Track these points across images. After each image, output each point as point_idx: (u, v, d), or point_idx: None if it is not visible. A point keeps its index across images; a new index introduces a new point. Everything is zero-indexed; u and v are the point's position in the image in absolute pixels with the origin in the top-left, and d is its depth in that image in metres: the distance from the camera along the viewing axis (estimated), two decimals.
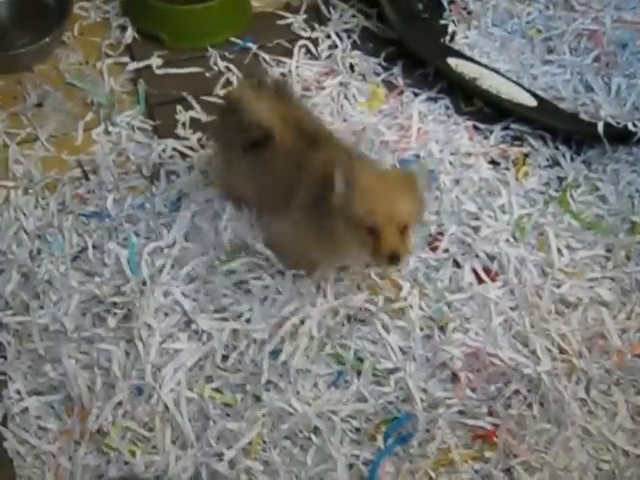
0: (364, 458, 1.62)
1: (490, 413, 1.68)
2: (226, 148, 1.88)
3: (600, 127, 2.06)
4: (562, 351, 1.76)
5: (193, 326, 1.75)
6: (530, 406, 1.68)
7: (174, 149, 2.08)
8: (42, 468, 1.63)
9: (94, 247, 1.90)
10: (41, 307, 1.81)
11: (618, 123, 2.12)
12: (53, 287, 1.84)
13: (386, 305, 1.80)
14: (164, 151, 2.07)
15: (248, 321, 1.76)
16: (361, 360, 1.73)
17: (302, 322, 1.75)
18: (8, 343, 1.78)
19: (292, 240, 1.76)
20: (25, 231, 1.94)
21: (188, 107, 2.17)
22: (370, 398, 1.68)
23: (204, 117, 2.14)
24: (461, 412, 1.68)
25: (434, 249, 1.90)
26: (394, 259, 1.55)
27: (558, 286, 1.85)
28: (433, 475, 1.61)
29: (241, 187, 1.88)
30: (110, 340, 1.75)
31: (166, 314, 1.77)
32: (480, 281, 1.85)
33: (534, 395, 1.69)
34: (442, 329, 1.78)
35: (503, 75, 2.22)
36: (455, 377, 1.72)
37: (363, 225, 1.55)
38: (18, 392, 1.72)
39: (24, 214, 1.97)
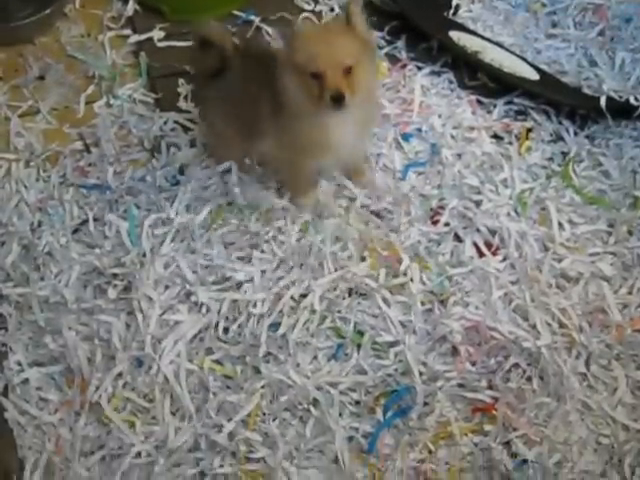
0: (363, 430, 1.62)
1: (490, 386, 1.67)
2: (204, 102, 1.96)
3: (603, 101, 2.03)
4: (562, 325, 1.74)
5: (193, 298, 1.75)
6: (530, 380, 1.67)
7: (175, 122, 2.07)
8: (42, 438, 1.63)
9: (95, 220, 1.89)
10: (42, 279, 1.81)
11: (621, 97, 2.09)
12: (54, 259, 1.83)
13: (387, 279, 1.79)
14: (165, 124, 2.06)
15: (248, 293, 1.75)
16: (361, 333, 1.72)
17: (302, 295, 1.75)
18: (9, 315, 1.78)
19: (279, 153, 1.78)
20: (26, 203, 1.93)
21: (190, 80, 2.15)
22: (370, 371, 1.68)
23: None
24: (460, 385, 1.67)
25: (435, 223, 1.88)
26: (337, 100, 1.56)
27: (559, 260, 1.83)
28: (432, 448, 1.60)
29: (226, 135, 1.87)
30: (110, 312, 1.75)
31: (166, 286, 1.77)
32: (481, 255, 1.84)
33: (534, 369, 1.68)
34: (442, 303, 1.77)
35: (506, 49, 2.19)
36: (455, 350, 1.71)
37: (307, 72, 1.58)
38: (19, 363, 1.72)
39: (25, 187, 1.97)
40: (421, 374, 1.66)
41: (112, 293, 1.77)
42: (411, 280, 1.78)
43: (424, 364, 1.68)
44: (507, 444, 1.61)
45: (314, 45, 1.58)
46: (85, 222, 1.90)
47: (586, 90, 2.15)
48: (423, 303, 1.76)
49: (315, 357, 1.70)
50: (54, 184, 1.96)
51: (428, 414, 1.64)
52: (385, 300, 1.75)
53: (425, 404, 1.64)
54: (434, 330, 1.73)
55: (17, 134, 2.07)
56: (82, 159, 2.02)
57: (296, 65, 1.59)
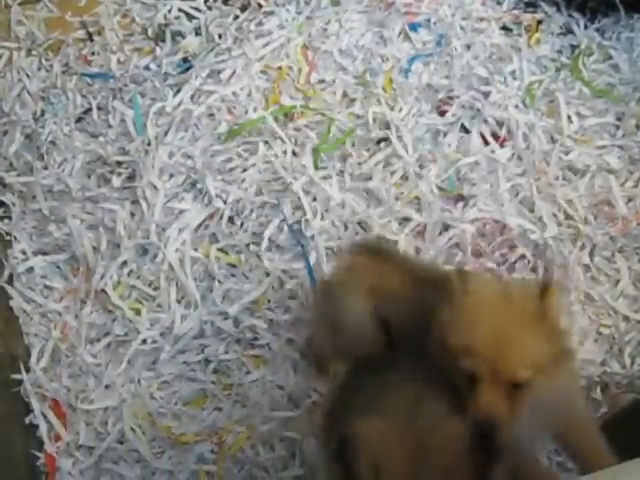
0: None
1: None
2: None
3: None
4: (568, 217, 1.67)
5: (199, 186, 1.67)
6: (535, 271, 1.60)
7: (180, 10, 1.96)
8: (48, 326, 1.59)
9: (98, 108, 1.81)
10: (45, 168, 1.74)
11: None
12: (57, 148, 1.76)
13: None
14: (170, 12, 1.96)
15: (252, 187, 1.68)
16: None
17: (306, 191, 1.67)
18: (13, 204, 1.71)
19: None
20: (29, 92, 1.85)
21: None
22: None
23: None
24: None
25: (442, 113, 1.79)
26: (486, 425, 1.01)
27: (566, 153, 1.75)
28: None
29: None
30: (115, 200, 1.68)
31: (171, 174, 1.69)
32: (487, 145, 1.75)
33: (539, 260, 1.60)
34: (450, 197, 1.69)
35: None
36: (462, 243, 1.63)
37: (458, 366, 1.03)
38: (23, 252, 1.66)
39: (27, 75, 1.88)
40: None
41: (116, 181, 1.70)
42: (419, 175, 1.69)
43: None
44: None
45: (478, 329, 1.01)
46: (89, 111, 1.82)
47: None
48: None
49: None
50: (57, 73, 1.87)
51: None
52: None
53: None
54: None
55: (18, 22, 1.96)
56: (85, 47, 1.92)
57: (446, 344, 1.04)
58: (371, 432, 0.99)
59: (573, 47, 1.94)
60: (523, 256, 1.61)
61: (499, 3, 1.99)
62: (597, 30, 1.97)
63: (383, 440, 0.98)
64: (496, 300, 1.03)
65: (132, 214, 1.66)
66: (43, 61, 1.89)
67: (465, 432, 1.00)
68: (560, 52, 1.93)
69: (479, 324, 1.01)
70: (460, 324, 1.02)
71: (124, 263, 1.61)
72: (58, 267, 1.65)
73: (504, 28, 1.95)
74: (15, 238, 1.67)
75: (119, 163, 1.71)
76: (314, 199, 1.66)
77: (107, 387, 1.52)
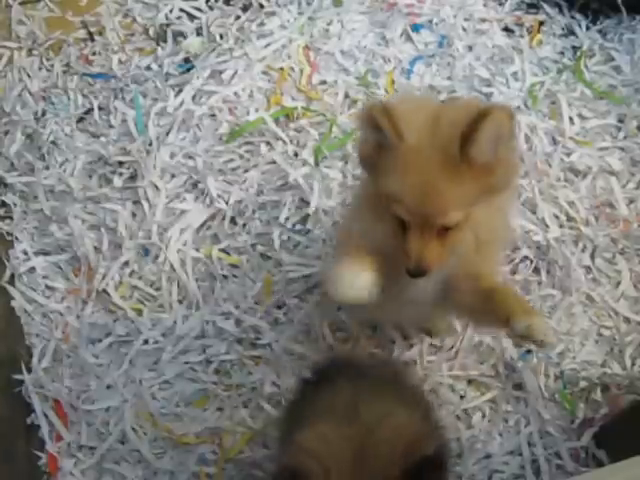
0: None
1: None
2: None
3: None
4: (570, 218, 1.68)
5: (200, 186, 1.68)
6: (537, 272, 1.62)
7: (181, 10, 1.97)
8: (50, 326, 1.59)
9: (100, 108, 1.82)
10: (47, 168, 1.74)
11: None
12: (58, 148, 1.77)
13: None
14: (171, 12, 1.96)
15: (254, 187, 1.69)
16: None
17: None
18: (14, 204, 1.72)
19: None
20: (29, 92, 1.86)
21: None
22: None
23: None
24: None
25: None
26: (415, 275, 1.05)
27: (568, 154, 1.76)
28: None
29: None
30: (116, 200, 1.69)
31: (172, 175, 1.70)
32: None
33: (540, 261, 1.62)
34: None
35: None
36: None
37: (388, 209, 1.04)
38: (25, 252, 1.67)
39: (28, 75, 1.88)
40: None
41: (118, 182, 1.70)
42: None
43: None
44: None
45: (404, 176, 1.01)
46: (90, 111, 1.83)
47: None
48: None
49: None
50: (58, 72, 1.88)
51: None
52: None
53: None
54: None
55: (19, 22, 1.97)
56: (86, 47, 1.93)
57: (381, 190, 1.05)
58: (314, 440, 1.01)
59: (575, 48, 1.95)
60: (526, 257, 1.62)
61: (501, 4, 2.00)
62: (599, 32, 1.98)
63: (327, 443, 1.00)
64: (422, 143, 0.99)
65: (134, 214, 1.67)
66: (44, 61, 1.90)
67: (407, 423, 1.03)
68: (562, 53, 1.94)
69: (405, 170, 1.00)
70: (390, 170, 1.01)
71: (126, 263, 1.62)
72: (59, 267, 1.66)
73: (506, 29, 1.97)
74: (16, 238, 1.68)
75: (120, 163, 1.72)
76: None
77: (109, 387, 1.53)
